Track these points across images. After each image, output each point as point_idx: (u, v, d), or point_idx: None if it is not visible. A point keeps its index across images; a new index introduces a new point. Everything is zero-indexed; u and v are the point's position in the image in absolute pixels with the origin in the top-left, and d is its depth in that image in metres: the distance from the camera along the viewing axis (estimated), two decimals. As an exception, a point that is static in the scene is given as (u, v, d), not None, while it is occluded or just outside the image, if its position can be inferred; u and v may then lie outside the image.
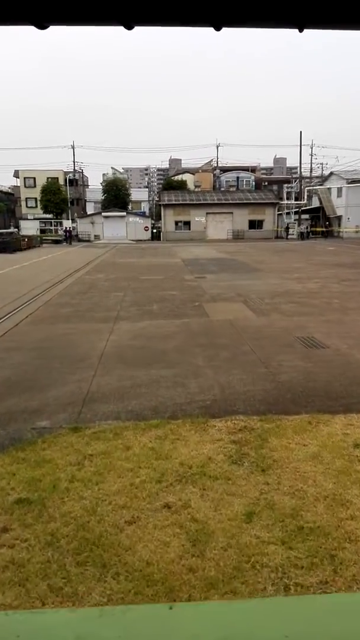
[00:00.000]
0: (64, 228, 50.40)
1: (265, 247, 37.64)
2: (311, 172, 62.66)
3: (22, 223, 56.81)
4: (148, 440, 4.14)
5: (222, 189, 62.22)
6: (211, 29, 1.86)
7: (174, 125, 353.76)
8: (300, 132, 53.37)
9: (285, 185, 50.52)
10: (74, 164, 63.56)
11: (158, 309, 10.88)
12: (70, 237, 48.66)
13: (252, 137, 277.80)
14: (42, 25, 1.82)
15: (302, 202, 49.76)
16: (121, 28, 1.83)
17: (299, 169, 51.48)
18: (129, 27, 1.84)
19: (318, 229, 49.39)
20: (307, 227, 48.61)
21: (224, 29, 1.87)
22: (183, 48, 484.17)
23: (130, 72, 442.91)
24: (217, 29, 1.86)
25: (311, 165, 62.30)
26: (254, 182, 69.71)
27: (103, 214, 54.16)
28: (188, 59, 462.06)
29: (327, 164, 72.06)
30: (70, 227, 50.52)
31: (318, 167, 69.85)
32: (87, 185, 73.76)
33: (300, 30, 1.87)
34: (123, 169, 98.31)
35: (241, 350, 7.19)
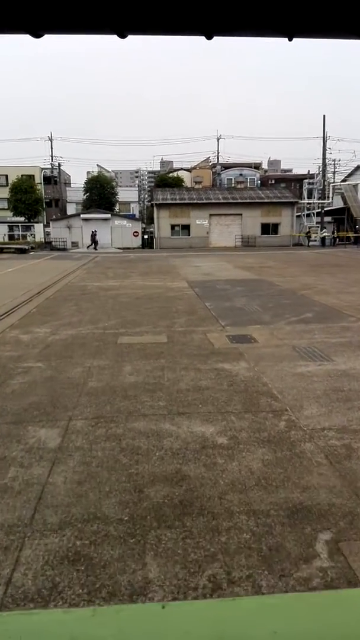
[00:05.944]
0: (93, 231, 41.73)
1: (292, 258, 28.95)
2: (325, 167, 54.20)
3: (-17, 228, 47.40)
4: None
5: (227, 187, 53.55)
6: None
7: (170, 120, 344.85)
8: (324, 115, 45.01)
9: (306, 181, 41.99)
10: (52, 158, 54.63)
11: None
12: (94, 242, 40.51)
13: (255, 133, 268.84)
14: (37, 34, 1.92)
15: (326, 200, 40.91)
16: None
17: (322, 158, 42.99)
18: (123, 35, 1.93)
19: (343, 234, 40.85)
20: (333, 232, 40.04)
21: (215, 38, 1.95)
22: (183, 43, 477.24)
23: (124, 64, 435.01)
24: (209, 37, 1.95)
25: (325, 160, 53.80)
26: (259, 181, 61.43)
27: (82, 215, 44.72)
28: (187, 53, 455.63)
29: (339, 160, 63.59)
30: (94, 231, 41.73)
31: (330, 164, 61.67)
32: (69, 184, 64.81)
33: (290, 39, 1.99)
34: (112, 171, 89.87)
35: None
